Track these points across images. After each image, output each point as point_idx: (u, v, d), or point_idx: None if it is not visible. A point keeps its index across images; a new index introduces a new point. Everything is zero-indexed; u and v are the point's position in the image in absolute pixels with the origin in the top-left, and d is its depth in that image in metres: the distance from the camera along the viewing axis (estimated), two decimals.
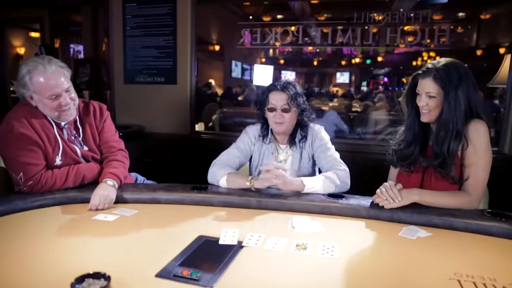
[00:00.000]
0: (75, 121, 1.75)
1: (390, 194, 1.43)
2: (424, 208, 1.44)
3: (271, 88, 1.83)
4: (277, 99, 1.79)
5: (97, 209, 1.52)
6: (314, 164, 1.94)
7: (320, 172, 1.87)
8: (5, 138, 1.58)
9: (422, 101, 1.49)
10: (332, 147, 1.86)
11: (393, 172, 1.73)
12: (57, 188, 1.63)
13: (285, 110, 1.78)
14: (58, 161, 1.67)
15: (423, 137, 1.61)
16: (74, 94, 1.68)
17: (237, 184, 1.69)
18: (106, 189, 1.59)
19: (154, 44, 3.14)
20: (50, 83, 1.58)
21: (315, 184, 1.64)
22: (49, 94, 1.58)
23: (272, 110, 1.80)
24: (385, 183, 1.48)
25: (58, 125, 1.69)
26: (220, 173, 1.74)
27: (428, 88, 1.47)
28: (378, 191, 1.47)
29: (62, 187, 1.64)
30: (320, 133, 1.89)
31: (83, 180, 1.70)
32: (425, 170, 1.58)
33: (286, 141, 1.92)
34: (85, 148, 1.77)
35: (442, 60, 1.49)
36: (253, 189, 1.64)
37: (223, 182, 1.72)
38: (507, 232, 1.31)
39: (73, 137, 1.74)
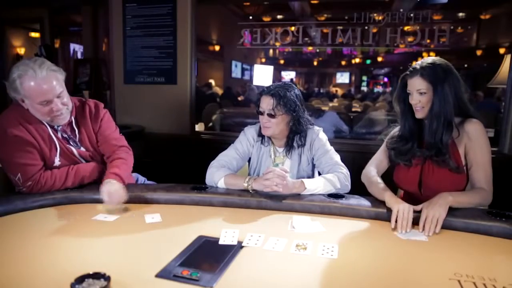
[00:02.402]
0: (70, 122, 1.73)
1: (403, 223, 1.35)
2: None
3: (263, 91, 1.82)
4: (265, 103, 1.77)
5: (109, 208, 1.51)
6: (313, 167, 1.93)
7: (320, 174, 1.86)
8: None
9: (415, 99, 1.55)
10: (332, 149, 1.85)
11: (383, 162, 1.73)
12: (57, 188, 1.63)
13: (270, 115, 1.76)
14: (57, 161, 1.66)
15: (419, 132, 1.65)
16: (66, 99, 1.63)
17: (235, 185, 1.69)
18: (112, 185, 1.55)
19: (154, 44, 3.14)
20: (41, 89, 1.53)
21: (316, 187, 1.63)
22: (40, 100, 1.54)
23: (260, 113, 1.80)
24: (400, 208, 1.38)
25: (52, 126, 1.67)
26: (218, 174, 1.73)
27: (418, 86, 1.54)
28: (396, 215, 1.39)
29: (62, 187, 1.64)
30: (318, 135, 1.87)
31: (83, 180, 1.69)
32: (424, 163, 1.60)
33: (282, 145, 1.91)
34: (82, 148, 1.76)
35: (427, 59, 1.57)
36: (251, 191, 1.64)
37: (221, 184, 1.71)
38: (507, 232, 1.31)
39: (68, 138, 1.73)
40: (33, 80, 1.52)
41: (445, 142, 1.52)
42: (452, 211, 1.40)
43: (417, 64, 1.56)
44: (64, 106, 1.62)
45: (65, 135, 1.72)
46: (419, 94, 1.53)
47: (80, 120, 1.77)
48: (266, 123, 1.79)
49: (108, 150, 1.80)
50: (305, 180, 1.63)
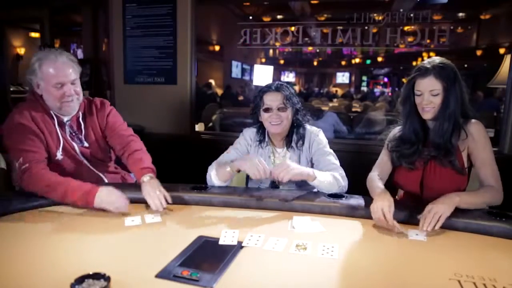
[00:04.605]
0: (77, 118, 1.78)
1: (379, 221, 1.35)
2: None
3: (265, 89, 1.83)
4: (272, 100, 1.78)
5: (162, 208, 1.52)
6: (313, 167, 1.93)
7: None
8: (7, 129, 1.65)
9: (426, 100, 1.52)
10: (331, 152, 1.85)
11: (386, 164, 1.72)
12: (37, 191, 1.53)
13: (281, 109, 1.78)
14: (59, 155, 1.70)
15: (424, 134, 1.63)
16: (79, 88, 1.72)
17: (222, 172, 1.72)
18: (150, 185, 1.58)
19: (154, 44, 3.14)
20: (57, 72, 1.63)
21: (325, 178, 1.65)
22: (55, 82, 1.63)
23: (268, 110, 1.79)
24: (373, 207, 1.38)
25: (60, 120, 1.73)
26: (211, 167, 1.79)
27: (431, 87, 1.51)
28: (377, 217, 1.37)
29: (44, 195, 1.53)
30: (318, 135, 1.87)
31: (64, 201, 1.53)
32: (426, 165, 1.59)
33: (282, 144, 1.91)
34: (85, 144, 1.79)
35: (434, 59, 1.55)
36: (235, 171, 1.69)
37: (214, 177, 1.75)
38: (507, 232, 1.31)
39: (73, 134, 1.77)
40: (52, 64, 1.63)
41: (454, 143, 1.51)
42: (453, 211, 1.40)
43: (425, 64, 1.52)
44: (76, 94, 1.70)
45: (71, 131, 1.77)
46: (432, 95, 1.51)
47: (88, 116, 1.83)
48: (276, 119, 1.79)
49: (120, 142, 1.84)
50: (315, 170, 1.66)
